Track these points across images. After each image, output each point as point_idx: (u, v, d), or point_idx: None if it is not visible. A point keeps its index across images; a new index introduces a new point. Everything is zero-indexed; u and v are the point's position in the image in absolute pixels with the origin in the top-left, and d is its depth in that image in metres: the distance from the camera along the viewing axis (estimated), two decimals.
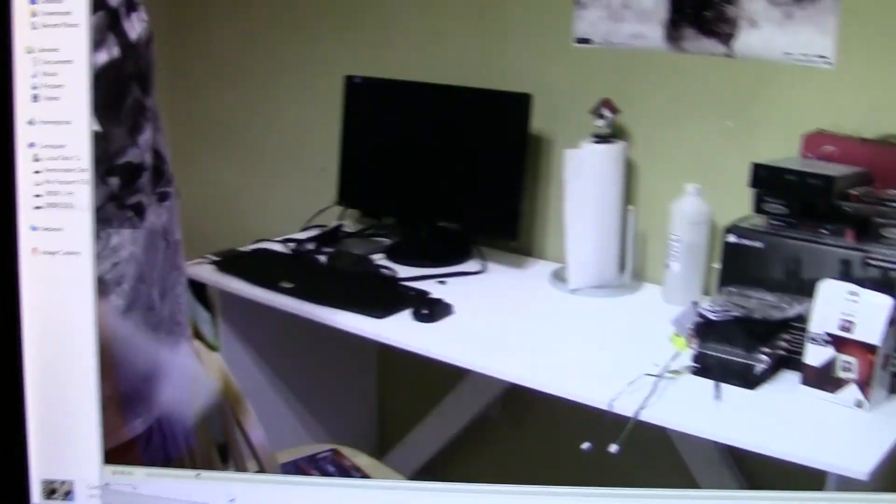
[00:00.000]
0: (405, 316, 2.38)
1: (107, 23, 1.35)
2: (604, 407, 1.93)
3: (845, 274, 2.02)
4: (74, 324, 1.33)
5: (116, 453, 1.43)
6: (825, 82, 2.27)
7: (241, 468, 1.96)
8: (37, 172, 1.30)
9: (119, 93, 1.39)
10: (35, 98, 1.28)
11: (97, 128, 1.31)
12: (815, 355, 1.95)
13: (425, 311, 2.36)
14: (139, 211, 1.47)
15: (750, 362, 2.01)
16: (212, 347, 1.85)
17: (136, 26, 1.39)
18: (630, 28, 2.51)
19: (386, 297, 2.47)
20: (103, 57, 1.34)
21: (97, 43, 1.33)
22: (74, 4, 1.27)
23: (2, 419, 1.36)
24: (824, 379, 1.94)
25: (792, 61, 2.29)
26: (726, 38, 2.37)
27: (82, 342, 1.33)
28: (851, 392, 1.91)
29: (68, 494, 1.38)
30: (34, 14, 1.27)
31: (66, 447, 1.37)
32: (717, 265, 2.24)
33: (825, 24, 2.23)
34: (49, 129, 1.29)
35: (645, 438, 1.90)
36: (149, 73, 1.44)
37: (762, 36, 2.33)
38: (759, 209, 2.18)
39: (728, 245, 2.17)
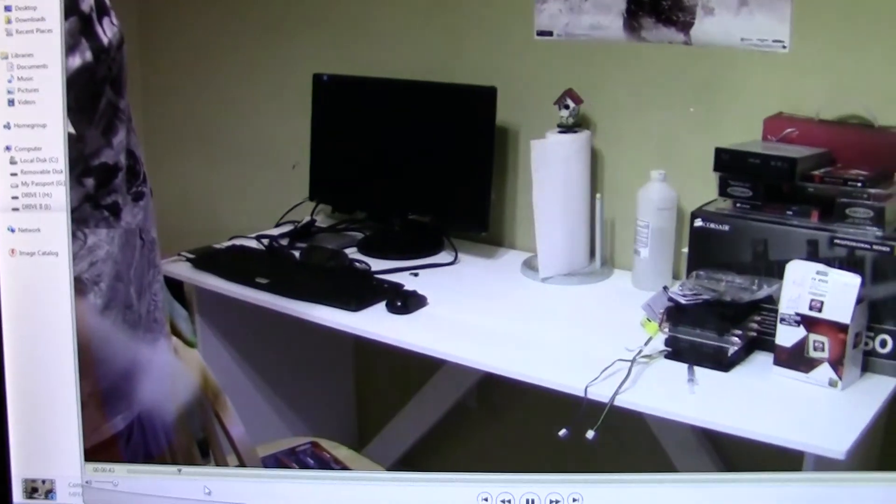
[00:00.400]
0: (380, 308, 2.39)
1: (79, 28, 1.35)
2: (579, 394, 1.94)
3: (813, 254, 2.02)
4: (53, 323, 1.35)
5: (97, 451, 1.44)
6: (783, 66, 2.29)
7: (221, 463, 1.97)
8: (13, 175, 1.31)
9: (93, 96, 1.40)
10: (11, 102, 1.29)
11: (72, 130, 1.33)
12: (786, 336, 1.96)
13: (399, 303, 2.37)
14: (115, 211, 1.48)
15: (722, 345, 2.02)
16: (190, 344, 1.86)
17: (107, 31, 1.40)
18: (590, 19, 2.54)
19: (360, 291, 2.47)
20: (76, 61, 1.35)
21: (70, 47, 1.34)
22: (48, 10, 1.28)
23: None
24: (797, 359, 1.95)
25: (749, 47, 2.32)
26: (684, 26, 2.39)
27: (61, 341, 1.35)
28: (824, 371, 1.92)
29: (50, 493, 1.40)
30: (9, 20, 1.28)
31: (47, 446, 1.38)
32: (685, 250, 2.25)
33: (779, 10, 2.26)
34: (25, 133, 1.30)
35: (621, 424, 1.92)
36: (121, 75, 1.45)
37: (719, 23, 2.35)
38: (724, 193, 2.18)
39: (695, 229, 2.18)
